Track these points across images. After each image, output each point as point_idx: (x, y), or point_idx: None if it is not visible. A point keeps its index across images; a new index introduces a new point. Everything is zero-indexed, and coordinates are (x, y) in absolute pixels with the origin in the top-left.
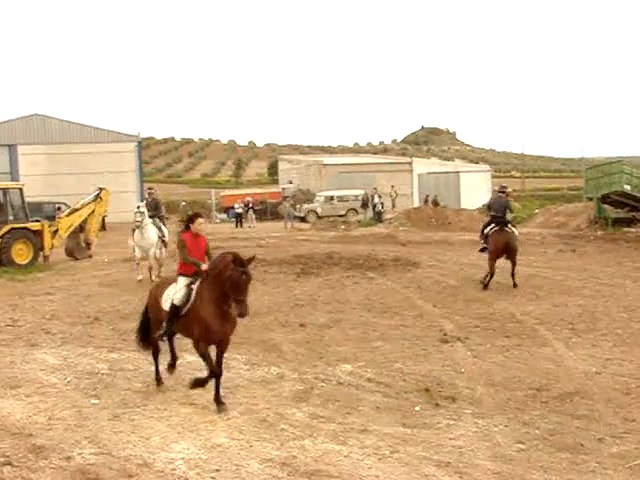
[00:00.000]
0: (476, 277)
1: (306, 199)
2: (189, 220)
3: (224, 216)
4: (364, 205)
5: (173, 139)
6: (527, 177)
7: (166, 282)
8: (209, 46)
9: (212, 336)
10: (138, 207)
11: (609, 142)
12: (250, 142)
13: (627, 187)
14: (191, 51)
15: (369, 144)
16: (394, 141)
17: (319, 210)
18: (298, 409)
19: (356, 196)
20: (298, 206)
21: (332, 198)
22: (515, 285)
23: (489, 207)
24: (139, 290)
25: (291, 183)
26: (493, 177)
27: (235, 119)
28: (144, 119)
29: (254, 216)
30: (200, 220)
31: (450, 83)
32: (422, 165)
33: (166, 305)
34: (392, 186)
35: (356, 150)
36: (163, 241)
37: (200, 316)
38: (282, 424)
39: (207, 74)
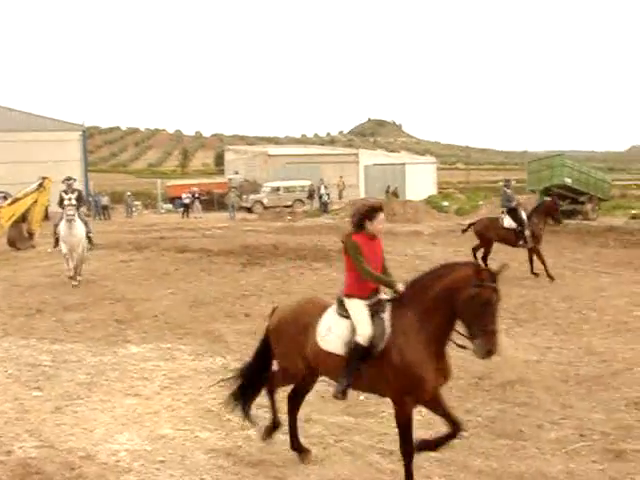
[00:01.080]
0: (421, 268)
1: (252, 189)
2: (365, 216)
3: (170, 206)
4: (310, 196)
5: (118, 128)
6: (471, 169)
7: (307, 309)
8: (154, 34)
9: (425, 390)
10: (69, 198)
11: (551, 136)
12: (197, 132)
13: (568, 180)
14: (136, 39)
15: (316, 135)
16: (341, 132)
17: (265, 201)
18: None
19: (302, 187)
20: (244, 196)
21: (278, 189)
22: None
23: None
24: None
25: (237, 173)
26: (438, 169)
27: (181, 109)
28: (89, 108)
29: (200, 206)
30: (381, 216)
31: (397, 75)
32: (368, 157)
33: (334, 345)
34: (340, 177)
35: (303, 141)
36: (89, 238)
37: (406, 361)
38: (227, 414)
39: (153, 63)
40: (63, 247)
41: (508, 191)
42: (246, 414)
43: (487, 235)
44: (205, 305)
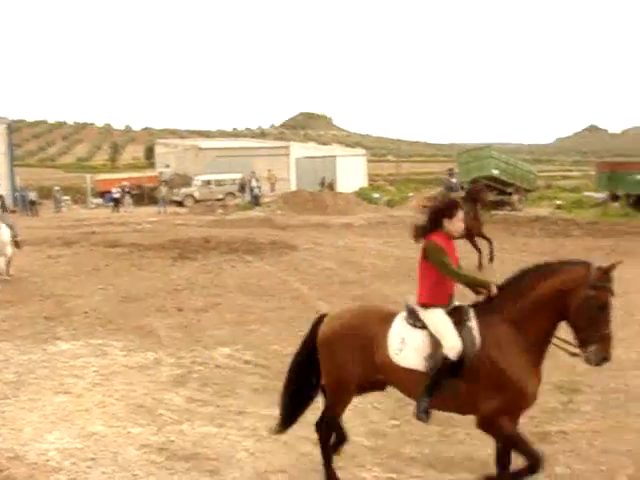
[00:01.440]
0: (352, 259)
1: (183, 183)
2: (443, 213)
3: (100, 201)
4: (242, 189)
5: (45, 122)
6: (402, 161)
7: (368, 318)
8: (81, 25)
9: (525, 404)
10: None
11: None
12: (126, 126)
13: (495, 172)
14: (63, 30)
15: (247, 128)
16: (272, 126)
17: (196, 194)
18: (176, 394)
19: (234, 180)
20: (175, 190)
21: (209, 182)
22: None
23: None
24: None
25: (168, 167)
26: (369, 161)
27: (111, 102)
28: (14, 100)
29: (131, 201)
30: (461, 214)
31: (328, 69)
32: (299, 149)
33: (412, 360)
34: (269, 170)
35: (234, 134)
36: (16, 242)
37: (504, 375)
38: (160, 409)
39: (81, 55)
40: None
41: (453, 180)
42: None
43: None
44: (136, 300)
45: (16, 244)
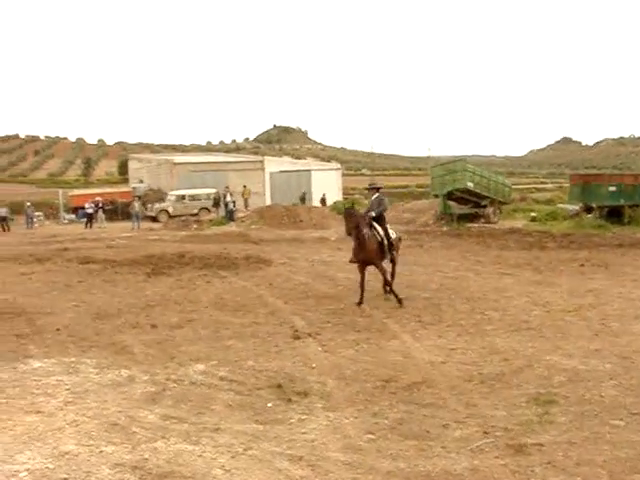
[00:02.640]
0: (327, 274)
1: (157, 198)
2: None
3: (73, 217)
4: (216, 204)
5: (17, 136)
6: (377, 175)
7: None
8: (52, 37)
9: None
10: None
11: (454, 142)
12: (99, 140)
13: (470, 184)
14: (34, 42)
15: (221, 143)
16: (246, 140)
17: (170, 209)
18: (150, 411)
19: (208, 195)
20: (149, 205)
21: (184, 197)
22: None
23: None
24: None
25: (142, 182)
26: (344, 175)
27: (83, 117)
28: None
29: (104, 216)
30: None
31: (302, 82)
32: (274, 164)
33: None
34: (244, 186)
35: (208, 149)
36: None
37: None
38: (133, 427)
39: (53, 68)
40: None
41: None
42: None
43: None
44: (110, 317)
45: None
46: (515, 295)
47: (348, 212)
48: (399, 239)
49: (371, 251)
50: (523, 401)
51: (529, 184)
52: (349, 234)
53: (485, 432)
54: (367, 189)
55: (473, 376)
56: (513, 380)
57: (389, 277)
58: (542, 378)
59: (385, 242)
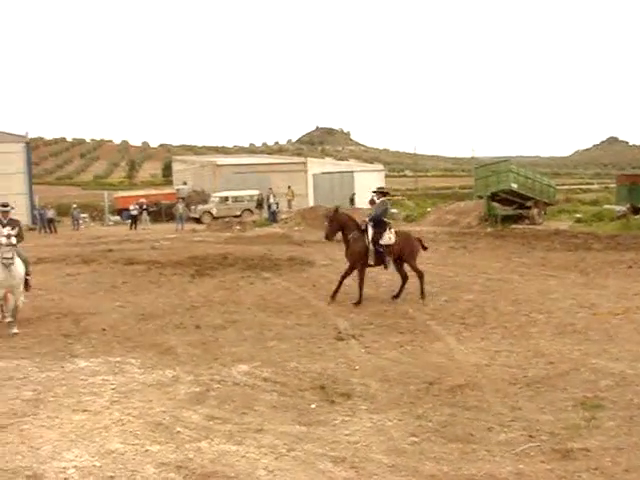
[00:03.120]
0: (369, 275)
1: (201, 200)
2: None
3: (118, 218)
4: (259, 205)
5: (64, 140)
6: (420, 176)
7: None
8: (99, 43)
9: None
10: (8, 237)
11: (498, 142)
12: (144, 143)
13: (514, 185)
14: (79, 47)
15: (264, 144)
16: (289, 141)
17: (214, 211)
18: (194, 411)
19: (251, 196)
20: (193, 207)
21: (227, 199)
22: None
23: (384, 212)
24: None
25: (185, 184)
26: (387, 176)
27: (128, 119)
28: (32, 119)
29: (148, 218)
30: None
31: (345, 83)
32: (316, 165)
33: None
34: (289, 187)
35: (251, 150)
36: (27, 281)
37: None
38: (178, 427)
39: (98, 72)
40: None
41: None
42: None
43: None
44: (154, 317)
45: (26, 284)
46: (560, 297)
47: (330, 217)
48: (414, 241)
49: (352, 254)
50: (569, 405)
51: (574, 185)
52: (327, 238)
53: (530, 436)
54: (375, 192)
55: (518, 379)
56: (559, 383)
57: (362, 285)
58: (588, 382)
59: (371, 247)
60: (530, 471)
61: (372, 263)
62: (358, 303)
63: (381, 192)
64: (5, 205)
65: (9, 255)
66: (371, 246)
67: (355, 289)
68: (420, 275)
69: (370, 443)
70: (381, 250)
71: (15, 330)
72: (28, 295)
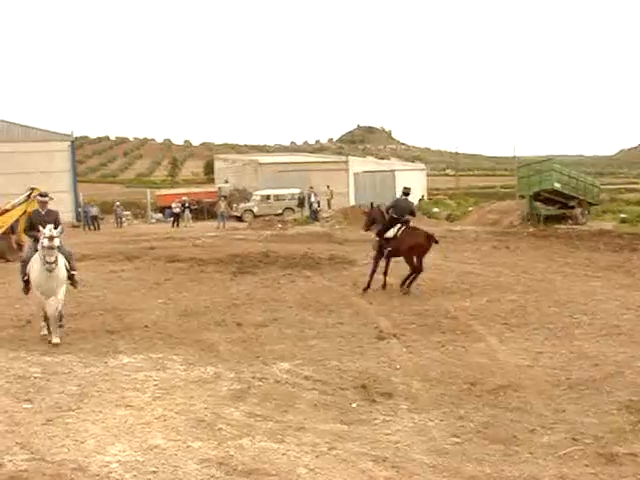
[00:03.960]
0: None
1: (242, 198)
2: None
3: (160, 216)
4: (300, 204)
5: (107, 138)
6: (461, 175)
7: None
8: (142, 43)
9: None
10: (50, 237)
11: (540, 141)
12: (186, 141)
13: (557, 185)
14: (124, 49)
15: (305, 143)
16: (330, 140)
17: (255, 209)
18: (235, 408)
19: (293, 195)
20: (235, 205)
21: (268, 197)
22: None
23: (393, 208)
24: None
25: (227, 182)
26: (428, 175)
27: (170, 118)
28: (77, 118)
29: (190, 216)
30: None
31: (386, 82)
32: (358, 164)
33: None
34: (328, 186)
35: (292, 149)
36: (71, 277)
37: None
38: (219, 424)
39: (141, 72)
40: (37, 294)
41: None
42: None
43: None
44: (196, 315)
45: (71, 280)
46: (605, 298)
47: (367, 212)
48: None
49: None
50: (614, 408)
51: (619, 184)
52: (365, 230)
53: (574, 439)
54: (403, 193)
55: (561, 381)
56: (603, 386)
57: (373, 274)
58: (634, 385)
59: (373, 237)
60: (573, 475)
61: (375, 251)
62: (365, 289)
63: (407, 193)
64: (44, 195)
65: (52, 259)
66: (374, 236)
67: (397, 287)
68: (414, 270)
69: (411, 443)
70: (382, 242)
71: (57, 340)
72: (72, 291)
